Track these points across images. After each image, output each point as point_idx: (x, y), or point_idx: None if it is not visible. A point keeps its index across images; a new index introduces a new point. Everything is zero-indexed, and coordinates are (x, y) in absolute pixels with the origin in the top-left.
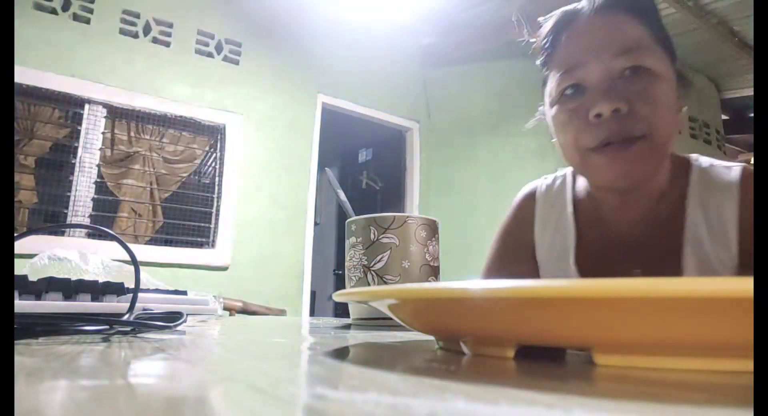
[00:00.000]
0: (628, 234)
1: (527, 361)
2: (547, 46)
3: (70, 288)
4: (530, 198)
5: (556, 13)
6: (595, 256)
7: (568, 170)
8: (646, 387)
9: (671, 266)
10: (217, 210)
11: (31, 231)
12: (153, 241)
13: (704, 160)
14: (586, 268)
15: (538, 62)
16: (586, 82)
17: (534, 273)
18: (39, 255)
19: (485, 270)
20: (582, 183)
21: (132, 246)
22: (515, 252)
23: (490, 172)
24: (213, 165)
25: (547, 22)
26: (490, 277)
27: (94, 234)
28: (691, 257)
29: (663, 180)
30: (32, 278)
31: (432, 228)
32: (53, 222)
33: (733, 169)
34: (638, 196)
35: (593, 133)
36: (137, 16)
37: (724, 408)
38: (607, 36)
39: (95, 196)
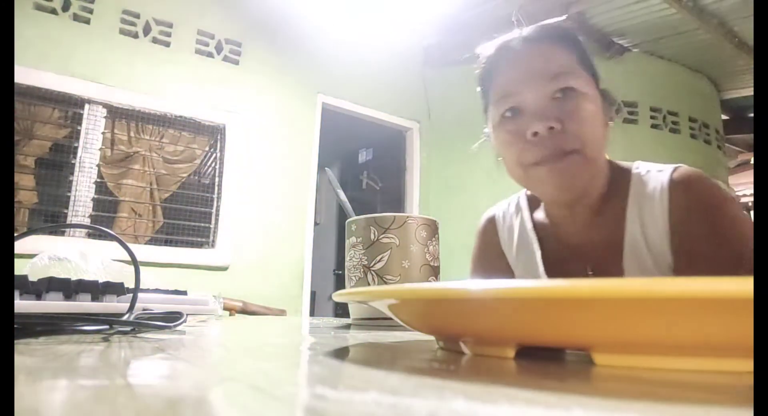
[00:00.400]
0: (579, 244)
1: (527, 361)
2: (484, 76)
3: (70, 288)
4: (491, 222)
5: (490, 46)
6: (558, 265)
7: (522, 193)
8: (646, 387)
9: (615, 273)
10: (217, 211)
11: (31, 231)
12: (153, 241)
13: (643, 167)
14: (555, 277)
15: (478, 89)
16: (522, 105)
17: None
18: (39, 255)
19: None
20: (536, 202)
21: (132, 246)
22: (491, 269)
23: (490, 172)
24: (213, 165)
25: (483, 55)
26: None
27: (94, 234)
28: (630, 263)
29: (603, 190)
30: (32, 278)
31: (432, 228)
32: (53, 222)
33: (664, 173)
34: (580, 208)
35: (532, 150)
36: (137, 16)
37: (724, 408)
38: (537, 63)
39: (95, 196)
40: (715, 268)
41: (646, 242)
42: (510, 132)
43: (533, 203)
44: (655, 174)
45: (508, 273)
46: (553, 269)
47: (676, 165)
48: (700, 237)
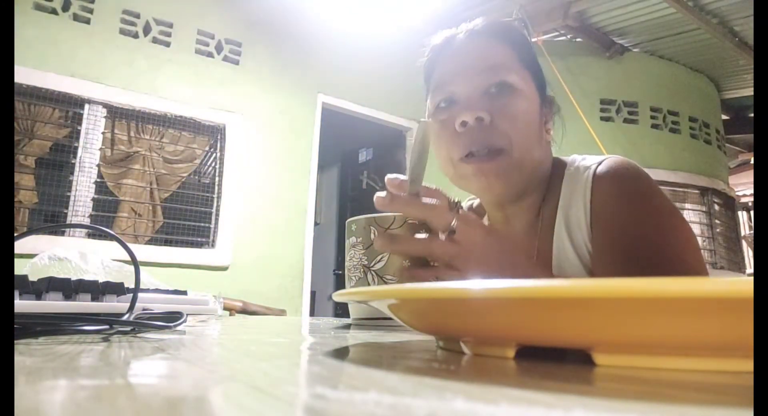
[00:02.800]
0: (518, 253)
1: (527, 361)
2: (427, 65)
3: (70, 288)
4: None
5: (437, 37)
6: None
7: (473, 198)
8: (646, 387)
9: (550, 272)
10: (217, 211)
11: (31, 231)
12: (153, 241)
13: (573, 161)
14: None
15: (422, 79)
16: (455, 96)
17: None
18: (39, 255)
19: None
20: (478, 207)
21: (132, 246)
22: None
23: None
24: (213, 165)
25: (429, 45)
26: None
27: (94, 234)
28: (558, 259)
29: (540, 192)
30: (32, 278)
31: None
32: (53, 222)
33: (590, 167)
34: (517, 210)
35: (460, 142)
36: (137, 16)
37: (724, 408)
38: (475, 55)
39: (95, 196)
40: (629, 260)
41: (573, 246)
42: (441, 122)
43: (481, 210)
44: (582, 170)
45: None
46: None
47: (606, 156)
48: (616, 227)
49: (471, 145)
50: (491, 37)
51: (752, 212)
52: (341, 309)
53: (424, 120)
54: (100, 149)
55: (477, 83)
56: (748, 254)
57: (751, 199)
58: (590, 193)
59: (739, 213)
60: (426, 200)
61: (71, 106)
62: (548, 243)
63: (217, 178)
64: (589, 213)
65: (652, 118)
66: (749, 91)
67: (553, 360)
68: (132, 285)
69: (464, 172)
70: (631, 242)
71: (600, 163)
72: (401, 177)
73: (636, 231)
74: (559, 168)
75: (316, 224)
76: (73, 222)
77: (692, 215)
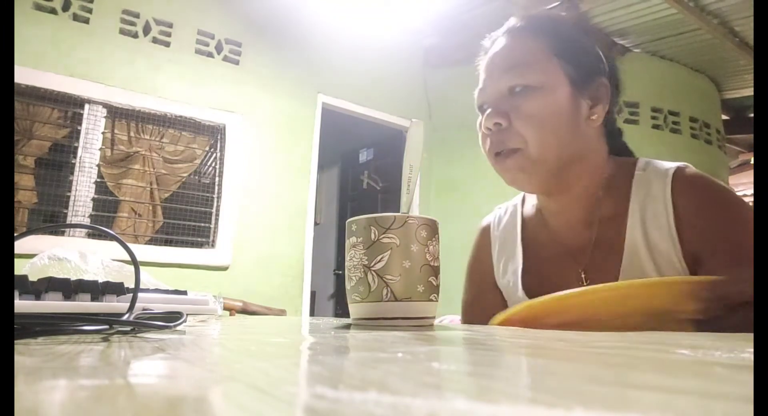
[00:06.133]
0: (571, 237)
1: (528, 361)
2: (479, 67)
3: (70, 288)
4: (486, 232)
5: (491, 37)
6: (550, 265)
7: (520, 195)
8: (646, 387)
9: (612, 264)
10: (217, 210)
11: (31, 231)
12: (153, 241)
13: (646, 165)
14: (537, 290)
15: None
16: (486, 100)
17: (501, 301)
18: (39, 255)
19: (463, 304)
20: (532, 198)
21: (132, 246)
22: (480, 285)
23: (490, 172)
24: (213, 165)
25: (485, 44)
26: (470, 310)
27: (94, 234)
28: (629, 265)
29: (595, 182)
30: (32, 278)
31: (432, 228)
32: (53, 222)
33: (668, 172)
34: (571, 199)
35: (487, 144)
36: (137, 16)
37: (724, 407)
38: (501, 58)
39: (95, 196)
40: (730, 271)
41: (647, 244)
42: (480, 124)
43: (528, 202)
44: (658, 172)
45: (493, 293)
46: (543, 269)
47: (680, 164)
48: (712, 239)
49: (495, 147)
50: (523, 33)
51: (752, 212)
52: (341, 309)
53: (416, 120)
54: (100, 149)
55: (500, 86)
56: None
57: (751, 199)
58: (670, 194)
59: None
60: None
61: (71, 106)
62: (612, 235)
63: (217, 178)
64: (672, 216)
65: (653, 118)
66: (749, 91)
67: (554, 360)
68: (132, 285)
69: (496, 168)
70: (728, 254)
71: (680, 169)
72: None
73: (730, 242)
74: (624, 165)
75: (316, 224)
76: (73, 222)
77: None
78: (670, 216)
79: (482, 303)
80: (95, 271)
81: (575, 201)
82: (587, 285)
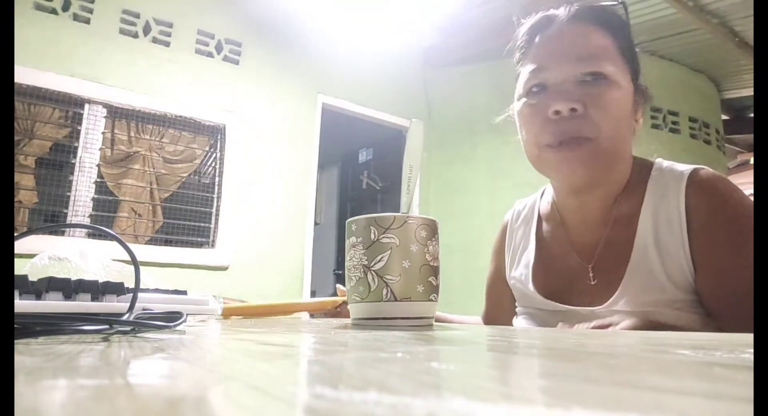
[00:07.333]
0: (586, 235)
1: (527, 360)
2: (522, 45)
3: (70, 288)
4: (504, 230)
5: (536, 16)
6: (555, 265)
7: (539, 191)
8: (647, 387)
9: (620, 263)
10: (217, 210)
11: (31, 231)
12: (153, 241)
13: (663, 165)
14: (545, 285)
15: (514, 59)
16: (550, 82)
17: (510, 299)
18: (39, 255)
19: (484, 308)
20: (548, 195)
21: (132, 246)
22: (496, 283)
23: (490, 172)
24: (213, 165)
25: (526, 23)
26: (490, 311)
27: (94, 234)
28: (636, 265)
29: (620, 182)
30: (32, 278)
31: (432, 228)
32: (53, 222)
33: (683, 174)
34: (594, 198)
35: (550, 130)
36: (137, 16)
37: (724, 407)
38: (573, 42)
39: (95, 196)
40: (738, 279)
41: (657, 245)
42: (532, 106)
43: (545, 198)
44: (673, 173)
45: (506, 292)
46: (553, 265)
47: (697, 166)
48: (722, 247)
49: (561, 135)
50: (589, 21)
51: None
52: None
53: (416, 120)
54: (100, 149)
55: (572, 71)
56: None
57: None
58: (684, 197)
59: None
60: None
61: (71, 106)
62: (624, 234)
63: (217, 178)
64: (685, 219)
65: (653, 118)
66: (749, 91)
67: (553, 359)
68: (132, 285)
69: (551, 158)
70: (738, 262)
71: (696, 171)
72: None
73: (740, 250)
74: (642, 166)
75: (316, 224)
76: (73, 222)
77: None
78: (683, 219)
79: (497, 302)
80: (95, 271)
81: (597, 199)
82: (594, 283)
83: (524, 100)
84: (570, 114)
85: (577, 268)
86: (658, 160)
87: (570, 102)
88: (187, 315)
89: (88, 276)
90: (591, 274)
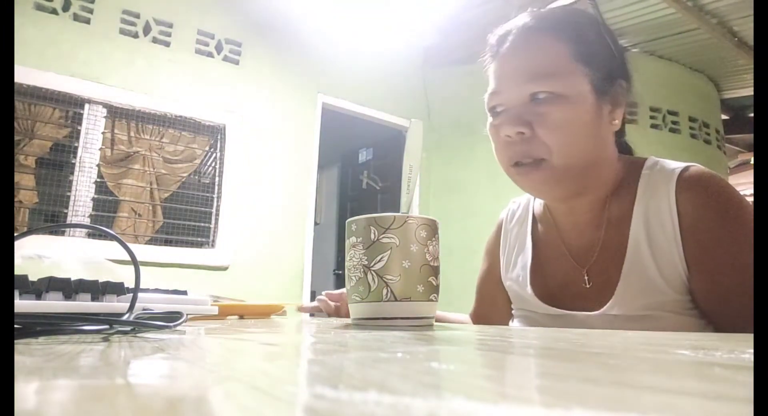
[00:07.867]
0: (579, 238)
1: (527, 360)
2: (486, 62)
3: (70, 288)
4: (498, 229)
5: (496, 33)
6: (554, 264)
7: None
8: (646, 387)
9: (615, 265)
10: (217, 210)
11: (31, 231)
12: (153, 241)
13: (654, 164)
14: (541, 288)
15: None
16: (503, 105)
17: (506, 301)
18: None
19: (474, 306)
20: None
21: (132, 246)
22: (488, 281)
23: (490, 172)
24: (213, 165)
25: (490, 40)
26: (479, 309)
27: (94, 234)
28: (631, 267)
29: (608, 185)
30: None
31: (432, 228)
32: (53, 222)
33: (674, 172)
34: (582, 202)
35: (505, 152)
36: (137, 16)
37: (725, 407)
38: (520, 61)
39: (95, 196)
40: (733, 280)
41: (650, 245)
42: (493, 128)
43: (538, 199)
44: (663, 172)
45: (502, 293)
46: (548, 267)
47: (688, 164)
48: (714, 244)
49: (515, 156)
50: (542, 32)
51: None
52: None
53: (415, 120)
54: (100, 149)
55: (523, 92)
56: None
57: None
58: (674, 195)
59: None
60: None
61: (71, 106)
62: (617, 237)
63: (217, 178)
64: (677, 217)
65: (652, 117)
66: (749, 91)
67: (553, 359)
68: (131, 285)
69: (515, 178)
70: (731, 262)
71: (686, 169)
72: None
73: (734, 250)
74: (633, 165)
75: (316, 224)
76: (73, 222)
77: None
78: (674, 217)
79: (492, 304)
80: (73, 268)
81: (586, 203)
82: (589, 286)
83: (490, 119)
84: (519, 137)
85: (571, 272)
86: (649, 158)
87: (515, 126)
88: (187, 315)
89: (62, 274)
90: (586, 278)
